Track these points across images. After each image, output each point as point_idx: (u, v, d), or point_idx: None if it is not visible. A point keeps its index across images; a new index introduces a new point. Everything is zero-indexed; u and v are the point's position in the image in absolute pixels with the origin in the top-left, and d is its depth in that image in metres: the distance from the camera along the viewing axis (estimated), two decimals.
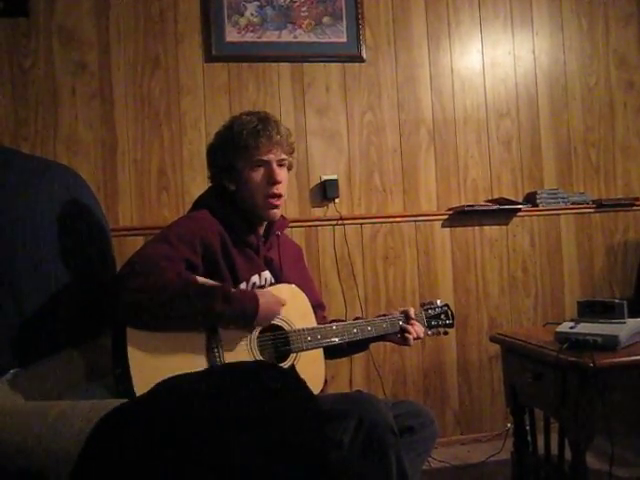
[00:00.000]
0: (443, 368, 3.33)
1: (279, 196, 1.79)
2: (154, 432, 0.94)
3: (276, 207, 1.80)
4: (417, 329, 1.93)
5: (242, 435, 0.91)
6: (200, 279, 1.61)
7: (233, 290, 1.58)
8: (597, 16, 3.64)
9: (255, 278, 1.78)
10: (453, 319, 2.10)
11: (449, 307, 2.11)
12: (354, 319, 1.93)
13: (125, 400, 1.34)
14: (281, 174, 1.80)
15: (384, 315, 1.97)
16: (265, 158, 1.77)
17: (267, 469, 0.90)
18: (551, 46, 3.59)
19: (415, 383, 3.29)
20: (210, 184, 1.92)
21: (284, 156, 1.81)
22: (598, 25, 3.64)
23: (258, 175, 1.78)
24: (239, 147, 1.77)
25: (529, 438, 2.42)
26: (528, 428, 2.42)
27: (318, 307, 1.97)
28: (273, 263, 1.87)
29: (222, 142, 1.84)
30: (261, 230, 1.86)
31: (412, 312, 1.95)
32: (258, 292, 1.63)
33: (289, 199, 3.15)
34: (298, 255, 2.08)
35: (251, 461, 0.89)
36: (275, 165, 1.78)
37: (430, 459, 2.87)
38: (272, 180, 1.77)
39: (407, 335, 1.91)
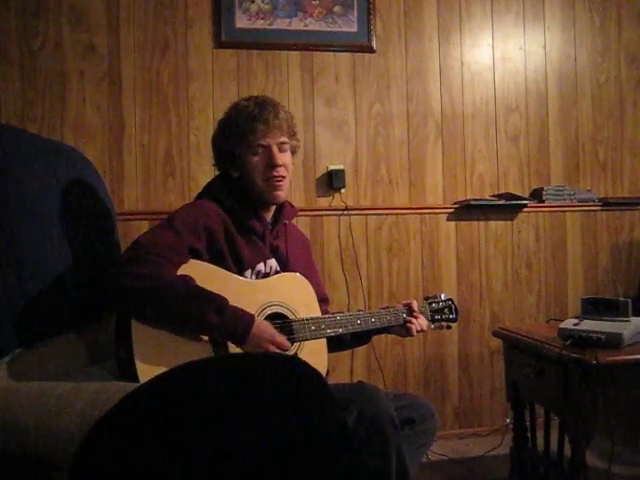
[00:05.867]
0: (444, 361, 3.34)
1: (281, 178, 1.78)
2: (167, 417, 0.93)
3: (279, 188, 1.78)
4: (421, 322, 1.93)
5: (258, 421, 0.91)
6: (208, 266, 1.61)
7: (231, 305, 1.54)
8: (610, 12, 3.62)
9: (260, 266, 1.77)
10: (457, 314, 2.09)
11: (453, 301, 2.10)
12: (357, 311, 1.92)
13: (128, 383, 1.35)
14: (282, 157, 1.78)
15: (387, 308, 1.96)
16: (263, 142, 1.76)
17: (285, 454, 0.90)
18: (562, 41, 3.56)
19: (416, 376, 3.30)
20: (216, 172, 1.92)
21: (284, 139, 1.79)
22: (610, 21, 3.62)
23: (258, 160, 1.77)
24: (237, 133, 1.77)
25: (529, 434, 2.42)
26: (528, 424, 2.42)
27: (322, 301, 1.96)
28: (279, 251, 1.86)
29: (222, 130, 1.85)
30: (267, 217, 1.84)
31: (415, 305, 1.95)
32: (257, 319, 1.58)
33: (295, 188, 3.15)
34: (306, 246, 2.07)
35: (268, 447, 0.89)
36: (275, 149, 1.77)
37: (429, 452, 2.87)
38: (272, 163, 1.75)
39: (410, 325, 1.91)
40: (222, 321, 1.51)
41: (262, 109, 1.76)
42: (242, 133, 1.76)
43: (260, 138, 1.75)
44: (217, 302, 1.52)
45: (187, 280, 1.54)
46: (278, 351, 1.59)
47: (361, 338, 1.98)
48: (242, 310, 1.56)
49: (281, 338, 1.61)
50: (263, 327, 1.59)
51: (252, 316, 1.57)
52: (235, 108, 1.82)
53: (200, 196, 1.84)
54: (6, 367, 1.45)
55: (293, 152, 1.87)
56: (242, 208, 1.78)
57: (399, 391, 3.04)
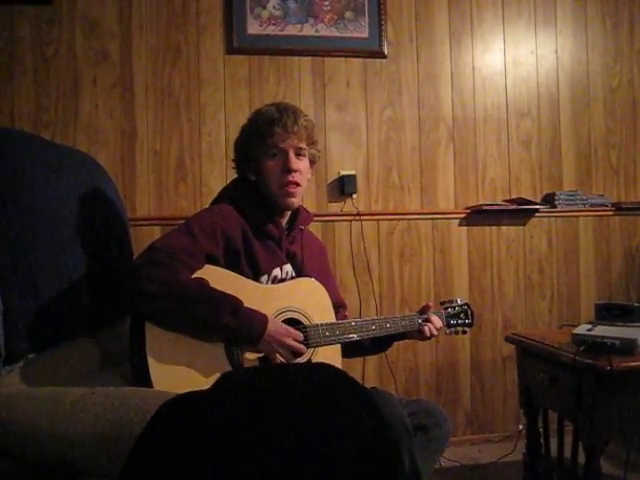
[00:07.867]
0: (456, 367, 3.32)
1: (295, 184, 1.77)
2: (225, 428, 0.92)
3: (292, 195, 1.78)
4: (435, 323, 1.93)
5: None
6: (224, 271, 1.61)
7: (245, 307, 1.56)
8: (622, 16, 3.60)
9: (277, 271, 1.77)
10: (473, 318, 2.08)
11: (469, 306, 2.09)
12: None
13: (142, 388, 1.35)
14: (298, 163, 1.78)
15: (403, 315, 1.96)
16: (281, 146, 1.76)
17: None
18: (574, 46, 3.55)
19: (427, 381, 3.29)
20: (231, 177, 1.93)
21: (301, 145, 1.79)
22: (623, 26, 3.61)
23: (274, 164, 1.77)
24: (256, 137, 1.78)
25: (542, 440, 2.41)
26: (541, 430, 2.40)
27: (340, 307, 1.97)
28: (295, 257, 1.86)
29: (243, 134, 1.86)
30: (283, 222, 1.84)
31: (431, 305, 1.96)
32: (271, 319, 1.60)
33: (306, 193, 3.14)
34: (322, 252, 2.06)
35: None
36: (292, 154, 1.77)
37: (441, 458, 2.86)
38: (287, 168, 1.75)
39: (423, 327, 1.90)
40: (237, 322, 1.52)
41: (282, 114, 1.77)
42: (261, 136, 1.77)
43: (277, 141, 1.76)
44: (232, 304, 1.53)
45: (202, 283, 1.54)
46: (295, 344, 1.61)
47: (380, 344, 1.97)
48: (256, 311, 1.57)
49: (296, 332, 1.63)
50: (277, 326, 1.61)
51: (265, 316, 1.58)
52: (257, 113, 1.84)
53: (217, 200, 1.85)
54: (19, 372, 1.45)
55: (312, 161, 1.87)
56: (259, 213, 1.78)
57: (411, 397, 3.03)
